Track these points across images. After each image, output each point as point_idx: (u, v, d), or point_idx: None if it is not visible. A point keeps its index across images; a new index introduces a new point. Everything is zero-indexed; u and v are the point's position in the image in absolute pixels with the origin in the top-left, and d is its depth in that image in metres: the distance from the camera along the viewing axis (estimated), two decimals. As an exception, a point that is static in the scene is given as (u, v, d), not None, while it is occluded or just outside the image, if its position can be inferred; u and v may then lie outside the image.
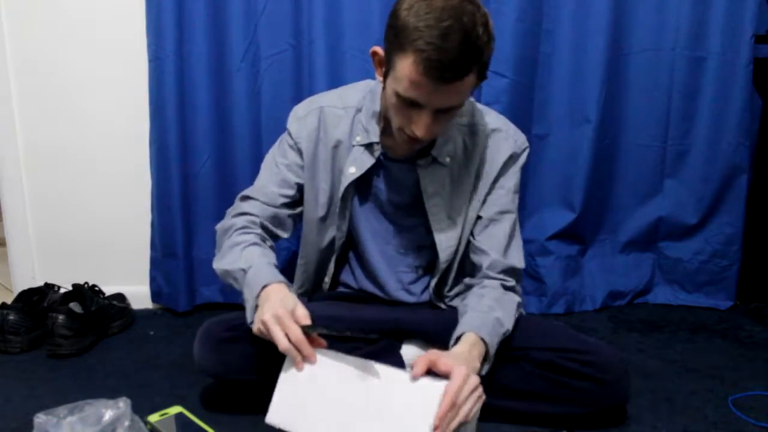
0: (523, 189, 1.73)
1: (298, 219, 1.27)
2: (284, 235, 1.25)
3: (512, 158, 1.19)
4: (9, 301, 1.56)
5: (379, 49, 1.05)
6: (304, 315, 0.98)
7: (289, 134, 1.22)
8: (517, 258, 1.20)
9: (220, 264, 1.16)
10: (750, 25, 1.62)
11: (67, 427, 0.93)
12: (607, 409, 1.11)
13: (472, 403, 0.92)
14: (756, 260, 1.79)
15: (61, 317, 1.42)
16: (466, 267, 1.24)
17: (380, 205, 1.22)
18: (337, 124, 1.19)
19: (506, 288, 1.17)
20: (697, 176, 1.74)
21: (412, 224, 1.22)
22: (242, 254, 1.11)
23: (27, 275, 1.75)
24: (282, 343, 0.95)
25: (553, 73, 1.66)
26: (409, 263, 1.25)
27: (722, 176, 1.72)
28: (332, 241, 1.24)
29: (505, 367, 1.11)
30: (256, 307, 1.04)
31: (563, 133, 1.70)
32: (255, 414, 1.15)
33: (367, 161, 1.16)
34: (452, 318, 1.14)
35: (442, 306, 1.25)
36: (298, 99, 1.39)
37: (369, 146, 1.16)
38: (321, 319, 1.12)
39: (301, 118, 1.21)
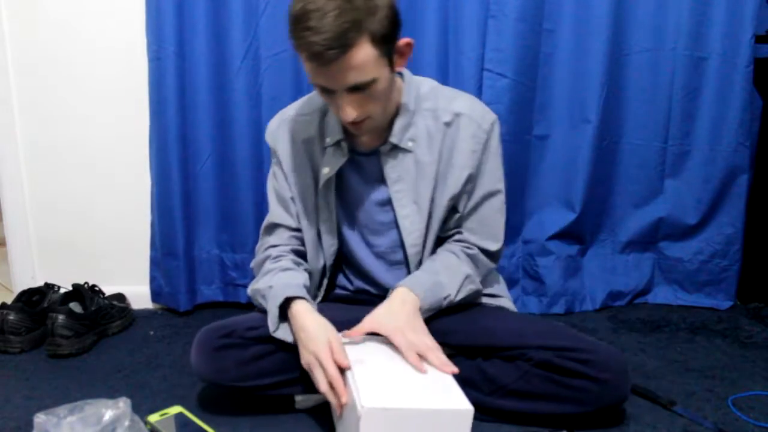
0: (523, 189, 1.74)
1: None
2: None
3: (479, 141, 1.16)
4: (9, 301, 1.56)
5: None
6: (339, 350, 1.01)
7: (270, 148, 1.26)
8: (490, 241, 1.21)
9: (252, 286, 1.21)
10: (750, 25, 1.62)
11: (67, 427, 0.93)
12: (608, 408, 1.11)
13: (418, 338, 1.04)
14: (756, 260, 1.79)
15: (61, 317, 1.42)
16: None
17: (359, 203, 1.22)
18: (306, 129, 1.21)
19: (468, 255, 1.19)
20: (698, 176, 1.74)
21: (391, 219, 1.21)
22: (274, 276, 1.17)
23: (27, 275, 1.75)
24: (321, 387, 1.00)
25: (554, 73, 1.66)
26: (397, 259, 1.24)
27: (722, 176, 1.72)
28: (328, 248, 1.25)
29: (503, 367, 1.11)
30: (281, 317, 1.11)
31: (564, 133, 1.70)
32: (254, 414, 1.16)
33: (339, 160, 1.17)
34: (448, 314, 1.15)
35: None
36: (297, 99, 1.39)
37: (338, 144, 1.17)
38: None
39: (274, 130, 1.25)
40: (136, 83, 1.63)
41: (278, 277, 1.16)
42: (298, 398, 1.18)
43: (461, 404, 0.95)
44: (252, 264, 1.28)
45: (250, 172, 1.65)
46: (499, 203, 1.22)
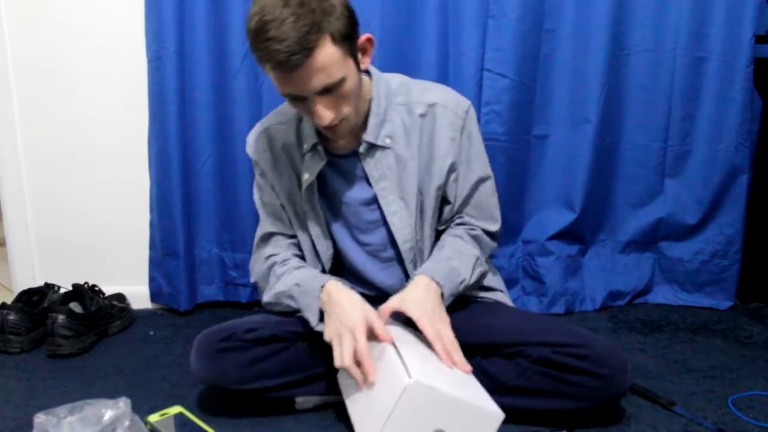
0: (523, 189, 1.73)
1: None
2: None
3: (457, 128, 1.17)
4: (9, 301, 1.56)
5: None
6: (380, 325, 1.03)
7: (251, 160, 1.26)
8: (490, 222, 1.25)
9: (270, 292, 1.20)
10: (750, 25, 1.62)
11: (67, 427, 0.93)
12: (608, 404, 1.11)
13: (444, 330, 1.06)
14: (756, 260, 1.79)
15: (61, 317, 1.42)
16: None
17: (345, 204, 1.22)
18: (284, 137, 1.21)
19: (472, 236, 1.22)
20: (698, 176, 1.73)
21: (378, 217, 1.22)
22: (290, 275, 1.17)
23: (27, 275, 1.75)
24: (345, 360, 0.99)
25: (554, 73, 1.66)
26: (389, 256, 1.25)
27: (722, 176, 1.72)
28: (324, 253, 1.25)
29: (502, 364, 1.12)
30: (321, 311, 1.09)
31: (564, 133, 1.70)
32: (255, 414, 1.16)
33: (318, 164, 1.17)
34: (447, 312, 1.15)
35: None
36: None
37: (314, 149, 1.17)
38: None
39: (253, 142, 1.25)
40: (136, 83, 1.63)
41: (295, 275, 1.17)
42: (299, 399, 1.18)
43: (494, 407, 0.97)
44: (254, 278, 1.28)
45: (251, 171, 1.64)
46: (490, 188, 1.25)
